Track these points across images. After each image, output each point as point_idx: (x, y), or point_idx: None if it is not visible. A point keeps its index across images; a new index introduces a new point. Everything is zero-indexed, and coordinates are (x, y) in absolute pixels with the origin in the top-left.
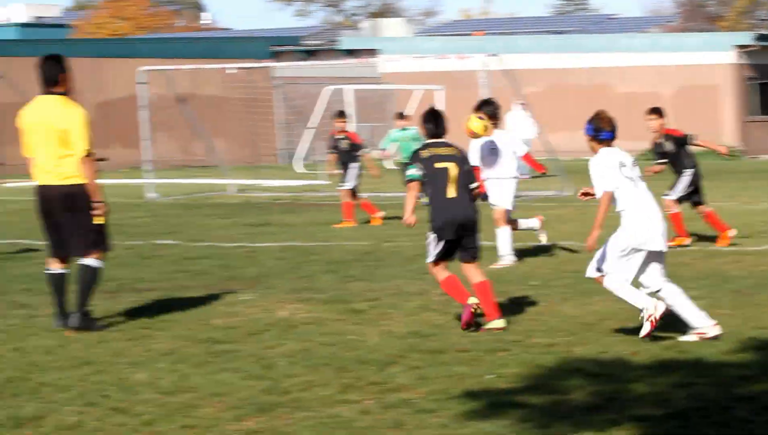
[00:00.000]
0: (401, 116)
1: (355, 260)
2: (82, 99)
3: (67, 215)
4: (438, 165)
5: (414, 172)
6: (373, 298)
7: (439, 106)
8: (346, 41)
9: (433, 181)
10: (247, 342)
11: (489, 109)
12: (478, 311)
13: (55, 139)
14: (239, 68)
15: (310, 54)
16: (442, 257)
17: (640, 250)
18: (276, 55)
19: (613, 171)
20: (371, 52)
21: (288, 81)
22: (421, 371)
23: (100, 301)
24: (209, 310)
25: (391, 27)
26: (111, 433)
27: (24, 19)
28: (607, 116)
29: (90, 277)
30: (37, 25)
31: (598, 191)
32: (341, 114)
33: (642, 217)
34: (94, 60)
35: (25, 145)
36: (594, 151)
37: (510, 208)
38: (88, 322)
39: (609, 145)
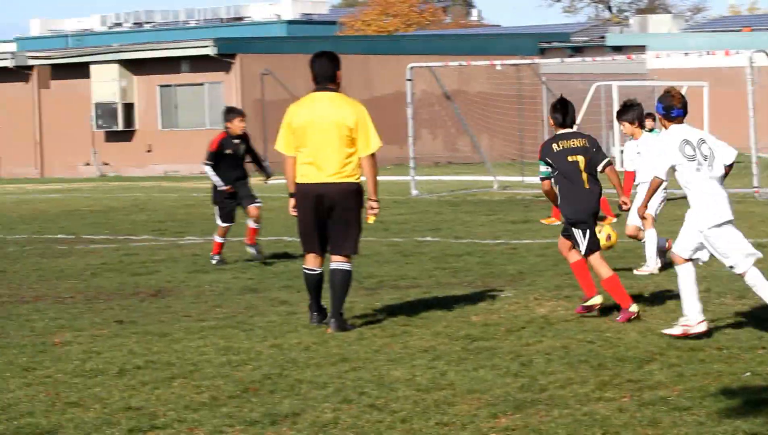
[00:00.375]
0: (649, 116)
1: (616, 257)
2: (349, 96)
3: (340, 214)
4: (570, 158)
5: (545, 169)
6: (633, 295)
7: (704, 102)
8: (613, 37)
9: (565, 175)
10: (506, 339)
11: (630, 116)
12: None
13: (341, 136)
14: (503, 64)
15: (577, 50)
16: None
17: (712, 228)
18: (543, 52)
19: (674, 148)
20: (638, 49)
21: (555, 77)
22: (679, 369)
23: (360, 298)
24: (469, 307)
25: (659, 23)
26: (367, 430)
27: (291, 16)
28: (677, 93)
29: (345, 280)
30: (305, 22)
31: (654, 172)
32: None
33: (704, 196)
34: (362, 57)
35: (288, 142)
36: (666, 128)
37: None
38: (344, 324)
39: (680, 123)
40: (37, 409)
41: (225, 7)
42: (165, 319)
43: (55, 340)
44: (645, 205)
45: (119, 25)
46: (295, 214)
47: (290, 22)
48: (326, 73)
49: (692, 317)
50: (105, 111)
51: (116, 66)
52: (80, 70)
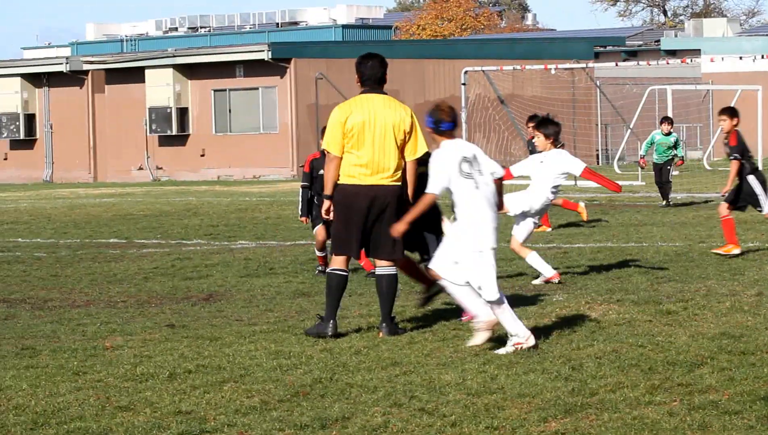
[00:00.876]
0: (666, 120)
1: (668, 261)
2: (403, 100)
3: (390, 217)
4: None
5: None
6: (685, 299)
7: (758, 106)
8: (667, 41)
9: None
10: (556, 343)
11: (552, 131)
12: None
13: (398, 139)
14: (558, 68)
15: (632, 54)
16: None
17: (474, 251)
18: (597, 56)
19: (451, 166)
20: (693, 53)
21: (609, 81)
22: (729, 372)
23: (412, 302)
24: (520, 311)
25: (714, 27)
26: (417, 434)
27: (346, 21)
28: (446, 106)
29: (393, 285)
30: (360, 26)
31: (430, 188)
32: (533, 118)
33: (475, 218)
34: (416, 61)
35: (338, 142)
36: (437, 143)
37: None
38: (396, 328)
39: (451, 137)
40: (87, 413)
41: (280, 12)
42: (216, 323)
43: (106, 344)
44: (407, 222)
45: (174, 29)
46: (327, 216)
47: (345, 27)
48: (377, 75)
49: (521, 333)
50: (159, 115)
51: (171, 70)
52: (135, 75)
